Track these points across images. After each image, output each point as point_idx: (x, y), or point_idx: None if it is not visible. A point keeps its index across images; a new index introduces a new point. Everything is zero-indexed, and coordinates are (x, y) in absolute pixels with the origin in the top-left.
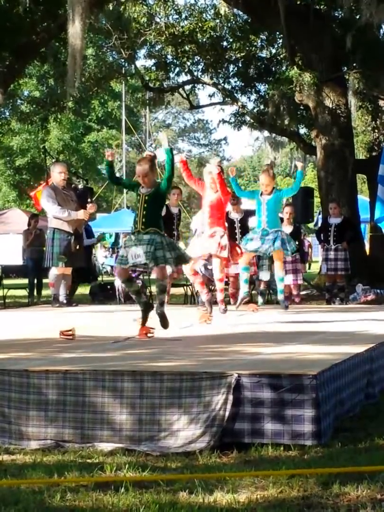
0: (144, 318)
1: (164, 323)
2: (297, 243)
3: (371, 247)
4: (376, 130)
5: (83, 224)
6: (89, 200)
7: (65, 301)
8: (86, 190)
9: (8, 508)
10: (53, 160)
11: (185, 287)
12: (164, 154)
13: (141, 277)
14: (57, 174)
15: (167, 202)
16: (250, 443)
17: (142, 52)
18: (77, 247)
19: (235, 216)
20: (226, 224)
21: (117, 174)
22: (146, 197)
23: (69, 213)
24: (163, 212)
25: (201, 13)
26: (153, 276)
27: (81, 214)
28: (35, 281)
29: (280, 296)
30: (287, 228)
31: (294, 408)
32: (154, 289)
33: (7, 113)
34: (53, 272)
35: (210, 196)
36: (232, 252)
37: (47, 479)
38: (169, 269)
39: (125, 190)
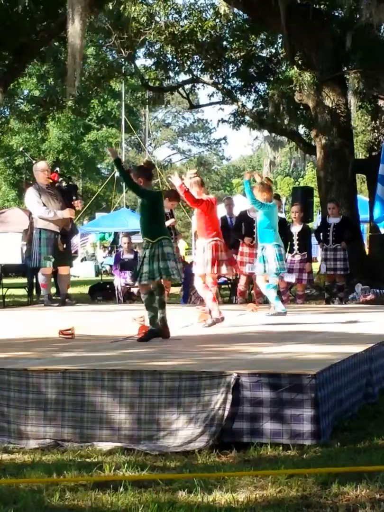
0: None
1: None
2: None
3: (370, 247)
4: (375, 130)
5: (70, 222)
6: (74, 197)
7: (48, 300)
8: (71, 188)
9: (7, 507)
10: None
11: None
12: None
13: None
14: (40, 173)
15: None
16: (249, 443)
17: (142, 51)
18: (64, 246)
19: (254, 215)
20: (244, 224)
21: None
22: (138, 207)
23: (54, 213)
24: None
25: (201, 12)
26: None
27: (66, 213)
28: (34, 280)
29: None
30: (297, 227)
31: (293, 408)
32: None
33: (7, 112)
34: (41, 273)
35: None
36: (231, 263)
37: (46, 478)
38: None
39: (124, 189)
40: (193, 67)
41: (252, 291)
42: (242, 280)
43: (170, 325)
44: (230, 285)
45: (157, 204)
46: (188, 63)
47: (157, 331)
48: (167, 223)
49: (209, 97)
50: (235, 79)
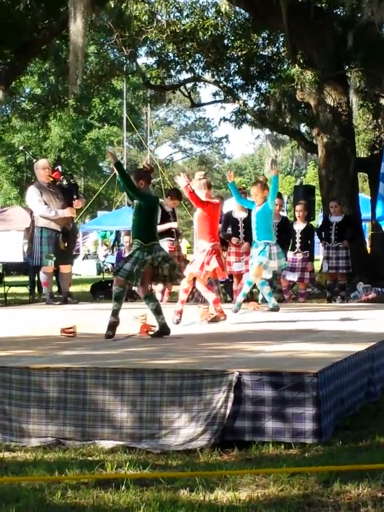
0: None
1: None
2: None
3: (371, 245)
4: (377, 129)
5: (71, 221)
6: (75, 196)
7: (49, 298)
8: (72, 186)
9: (9, 506)
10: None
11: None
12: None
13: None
14: (42, 171)
15: (161, 201)
16: (251, 441)
17: (143, 49)
18: (66, 245)
19: (239, 215)
20: (230, 223)
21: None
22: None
23: (56, 212)
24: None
25: (203, 11)
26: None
27: (67, 212)
28: (36, 278)
29: (239, 298)
30: (300, 225)
31: (295, 406)
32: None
33: (9, 110)
34: (43, 271)
35: (197, 209)
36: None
37: (48, 477)
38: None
39: None
40: (194, 66)
41: (253, 290)
42: (235, 280)
43: (171, 324)
44: (224, 286)
45: (154, 208)
46: (190, 61)
47: (116, 323)
48: (168, 225)
49: (214, 96)
50: (236, 77)
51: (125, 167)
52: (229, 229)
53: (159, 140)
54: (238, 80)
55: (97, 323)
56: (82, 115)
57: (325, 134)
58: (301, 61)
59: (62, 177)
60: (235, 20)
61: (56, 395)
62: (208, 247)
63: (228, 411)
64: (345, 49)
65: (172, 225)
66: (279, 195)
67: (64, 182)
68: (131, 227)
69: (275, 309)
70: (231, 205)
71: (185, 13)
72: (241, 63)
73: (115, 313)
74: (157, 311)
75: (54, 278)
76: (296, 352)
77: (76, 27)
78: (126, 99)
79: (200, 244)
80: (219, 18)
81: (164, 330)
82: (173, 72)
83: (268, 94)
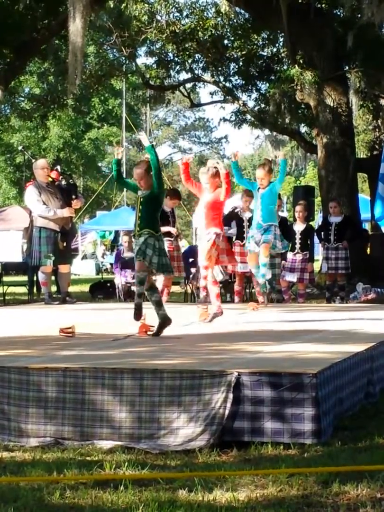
0: (158, 331)
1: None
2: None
3: (371, 246)
4: (377, 129)
5: (70, 221)
6: (73, 196)
7: (48, 298)
8: (71, 186)
9: (7, 506)
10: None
11: (185, 285)
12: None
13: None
14: (41, 171)
15: None
16: (250, 442)
17: (143, 49)
18: (65, 245)
19: (244, 215)
20: (235, 222)
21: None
22: (142, 199)
23: (54, 211)
24: None
25: (202, 11)
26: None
27: (66, 212)
28: (35, 278)
29: (260, 280)
30: (300, 226)
31: (294, 407)
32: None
33: (8, 110)
34: (42, 271)
35: (206, 196)
36: (228, 254)
37: (46, 477)
38: None
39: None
40: (194, 66)
41: (252, 290)
42: (237, 280)
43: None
44: (223, 286)
45: (162, 202)
46: (189, 61)
47: (139, 305)
48: (167, 229)
49: (211, 95)
50: (236, 77)
51: (124, 167)
52: (233, 230)
53: (159, 140)
54: (238, 80)
55: (96, 323)
56: (80, 114)
57: (325, 134)
58: (301, 61)
59: (61, 177)
60: (235, 20)
61: (54, 395)
62: (220, 232)
63: (227, 412)
64: (345, 50)
65: (171, 229)
66: (278, 196)
67: (63, 182)
68: (139, 218)
69: (266, 289)
70: (233, 204)
71: (184, 13)
72: (241, 63)
73: (139, 295)
74: (158, 304)
75: (52, 278)
76: (295, 353)
77: (75, 27)
78: (125, 99)
79: (210, 230)
80: (219, 19)
81: (164, 322)
82: (172, 72)
83: (268, 95)
